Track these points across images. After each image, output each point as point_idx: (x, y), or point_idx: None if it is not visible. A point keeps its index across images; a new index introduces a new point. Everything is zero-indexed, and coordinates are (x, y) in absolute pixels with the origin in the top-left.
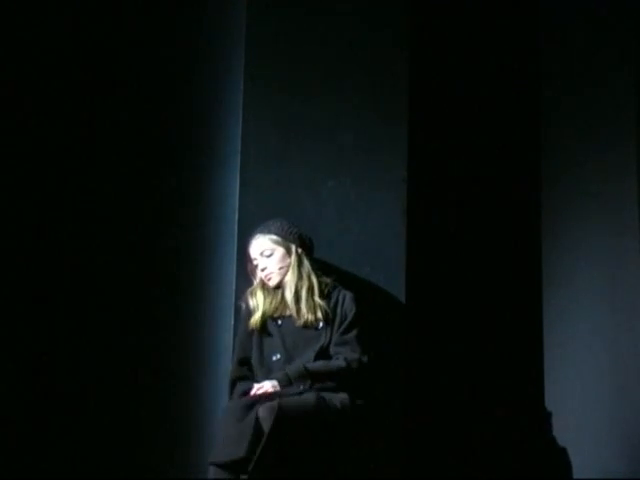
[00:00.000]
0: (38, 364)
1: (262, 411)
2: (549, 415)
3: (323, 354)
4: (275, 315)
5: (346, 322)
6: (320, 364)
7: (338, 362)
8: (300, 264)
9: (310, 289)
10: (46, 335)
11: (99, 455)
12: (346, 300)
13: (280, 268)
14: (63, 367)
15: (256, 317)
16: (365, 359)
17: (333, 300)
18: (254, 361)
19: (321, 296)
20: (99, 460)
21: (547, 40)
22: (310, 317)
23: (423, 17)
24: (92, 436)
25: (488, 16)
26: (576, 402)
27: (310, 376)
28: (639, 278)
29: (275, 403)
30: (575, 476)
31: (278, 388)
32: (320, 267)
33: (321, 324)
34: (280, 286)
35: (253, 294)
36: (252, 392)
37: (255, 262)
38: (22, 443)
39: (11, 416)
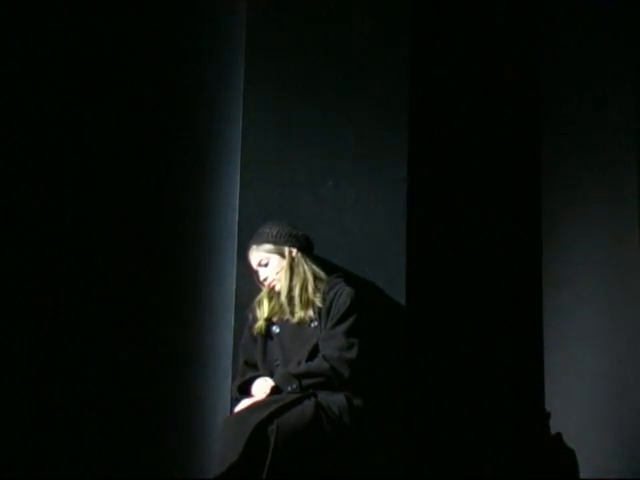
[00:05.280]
0: (37, 364)
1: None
2: (549, 415)
3: (317, 351)
4: (275, 319)
5: (336, 316)
6: (303, 366)
7: (318, 361)
8: (293, 264)
9: (304, 286)
10: (45, 336)
11: (99, 456)
12: (342, 295)
13: (277, 273)
14: (62, 368)
15: (260, 323)
16: (350, 354)
17: (331, 296)
18: (259, 365)
19: (315, 292)
20: (100, 461)
21: (548, 39)
22: (302, 314)
23: (423, 18)
24: (92, 436)
25: (489, 16)
26: (576, 402)
27: (295, 378)
28: (639, 278)
29: (274, 426)
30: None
31: (268, 391)
32: (322, 264)
33: (315, 322)
34: None
35: (260, 303)
36: (243, 405)
37: (258, 273)
38: (23, 445)
39: (12, 419)
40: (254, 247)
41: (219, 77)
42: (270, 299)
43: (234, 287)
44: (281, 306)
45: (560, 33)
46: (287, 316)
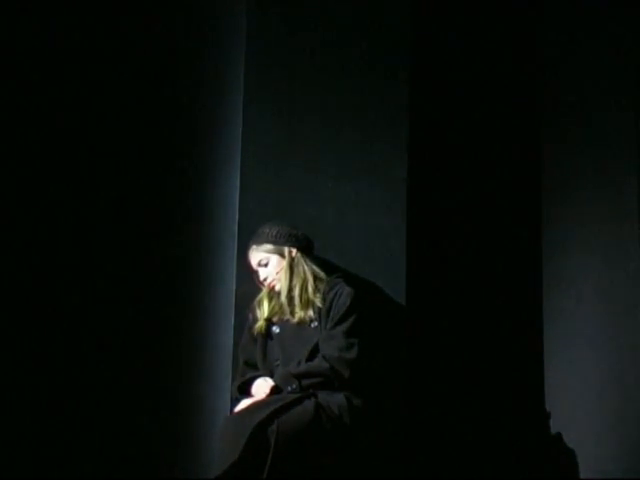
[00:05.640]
0: (36, 364)
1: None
2: (549, 415)
3: (317, 351)
4: (275, 319)
5: (336, 316)
6: (303, 366)
7: (318, 361)
8: (293, 264)
9: (304, 286)
10: (45, 336)
11: (99, 455)
12: (342, 295)
13: (277, 273)
14: (63, 369)
15: (260, 323)
16: (350, 355)
17: (331, 296)
18: (259, 365)
19: (315, 292)
20: (100, 460)
21: (548, 41)
22: (302, 314)
23: (424, 19)
24: (92, 436)
25: (490, 18)
26: (576, 402)
27: (295, 378)
28: (639, 278)
29: (274, 426)
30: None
31: (268, 391)
32: (322, 264)
33: (315, 322)
34: None
35: (260, 303)
36: (243, 405)
37: (258, 273)
38: (23, 445)
39: (12, 419)
40: (254, 247)
41: (219, 78)
42: (270, 299)
43: (234, 287)
44: (281, 306)
45: (561, 35)
46: (287, 316)
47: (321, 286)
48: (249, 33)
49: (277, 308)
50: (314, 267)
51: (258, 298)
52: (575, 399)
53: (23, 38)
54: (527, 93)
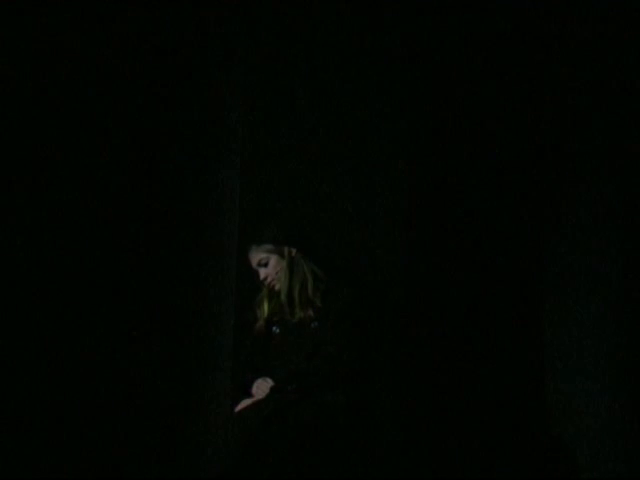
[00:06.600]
0: (37, 366)
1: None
2: (549, 415)
3: (317, 351)
4: (275, 319)
5: (336, 316)
6: (303, 366)
7: (318, 361)
8: (293, 264)
9: (303, 286)
10: (45, 336)
11: (99, 456)
12: (342, 295)
13: (277, 273)
14: (63, 369)
15: (260, 323)
16: (350, 355)
17: (331, 297)
18: (259, 365)
19: (315, 292)
20: (99, 461)
21: (548, 44)
22: (302, 314)
23: (425, 20)
24: (92, 437)
25: (490, 20)
26: (576, 402)
27: (295, 378)
28: None
29: (274, 426)
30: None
31: (268, 391)
32: (322, 265)
33: (315, 322)
34: None
35: (260, 303)
36: (243, 405)
37: (258, 273)
38: (24, 445)
39: (11, 419)
40: (254, 247)
41: (219, 77)
42: (270, 299)
43: (234, 287)
44: (281, 306)
45: (561, 44)
46: (287, 316)
47: (321, 286)
48: (249, 32)
49: (277, 308)
50: (314, 267)
51: (258, 298)
52: (575, 399)
53: (22, 39)
54: (529, 91)
